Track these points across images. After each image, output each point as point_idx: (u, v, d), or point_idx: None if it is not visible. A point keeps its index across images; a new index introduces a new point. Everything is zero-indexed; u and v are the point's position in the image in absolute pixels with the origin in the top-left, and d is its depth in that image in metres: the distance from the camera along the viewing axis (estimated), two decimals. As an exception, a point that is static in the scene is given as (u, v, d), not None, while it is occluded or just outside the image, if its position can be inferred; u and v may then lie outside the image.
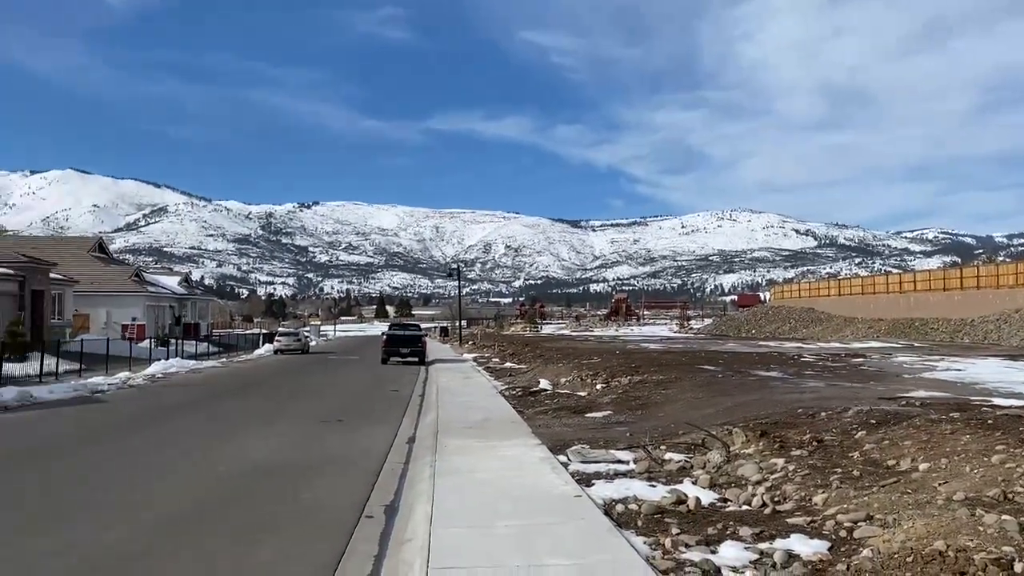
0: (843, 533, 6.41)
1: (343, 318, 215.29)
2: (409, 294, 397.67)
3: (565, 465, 9.54)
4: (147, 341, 39.49)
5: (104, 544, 6.68)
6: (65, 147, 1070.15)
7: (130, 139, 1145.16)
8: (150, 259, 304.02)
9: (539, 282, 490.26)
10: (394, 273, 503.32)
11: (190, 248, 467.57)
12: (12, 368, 24.20)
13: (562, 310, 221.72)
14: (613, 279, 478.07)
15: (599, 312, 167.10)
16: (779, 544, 6.25)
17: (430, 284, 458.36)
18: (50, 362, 26.07)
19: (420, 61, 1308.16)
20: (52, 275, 38.33)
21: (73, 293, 42.76)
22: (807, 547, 6.13)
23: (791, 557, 5.95)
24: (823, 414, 11.38)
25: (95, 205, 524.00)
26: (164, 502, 8.32)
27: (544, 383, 22.18)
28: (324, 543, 6.77)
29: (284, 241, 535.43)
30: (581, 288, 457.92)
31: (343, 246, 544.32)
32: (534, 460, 9.78)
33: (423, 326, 47.05)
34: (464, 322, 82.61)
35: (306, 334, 59.74)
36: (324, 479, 9.52)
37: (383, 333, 40.07)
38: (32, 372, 24.82)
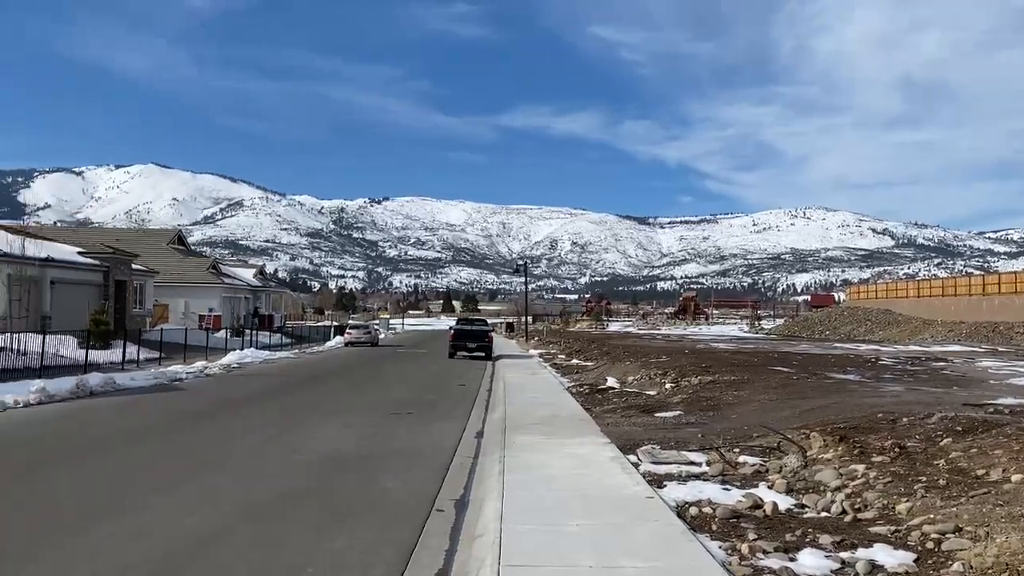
0: (930, 545, 6.14)
1: (411, 312, 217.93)
2: (475, 289, 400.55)
3: (636, 465, 9.42)
4: (223, 331, 40.63)
5: (186, 527, 6.86)
6: (147, 142, 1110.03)
7: (208, 134, 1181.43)
8: (226, 251, 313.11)
9: (605, 279, 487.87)
10: (461, 268, 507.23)
11: (264, 241, 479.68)
12: (96, 355, 25.18)
13: (628, 307, 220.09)
14: (681, 277, 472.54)
15: (666, 310, 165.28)
16: (861, 554, 6.03)
17: (496, 280, 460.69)
18: (132, 350, 27.05)
19: (490, 57, 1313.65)
20: (134, 266, 39.77)
21: (153, 284, 44.31)
22: (892, 558, 5.90)
23: (875, 568, 5.73)
24: (905, 420, 10.96)
25: (175, 198, 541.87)
26: (242, 489, 8.51)
27: (611, 381, 22.00)
28: (396, 534, 6.81)
29: (355, 236, 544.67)
30: (648, 286, 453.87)
31: (412, 241, 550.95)
32: (604, 459, 9.68)
33: (489, 321, 47.21)
34: (530, 318, 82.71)
35: (376, 327, 60.62)
36: (395, 471, 9.61)
37: (450, 328, 40.40)
38: (115, 359, 25.78)
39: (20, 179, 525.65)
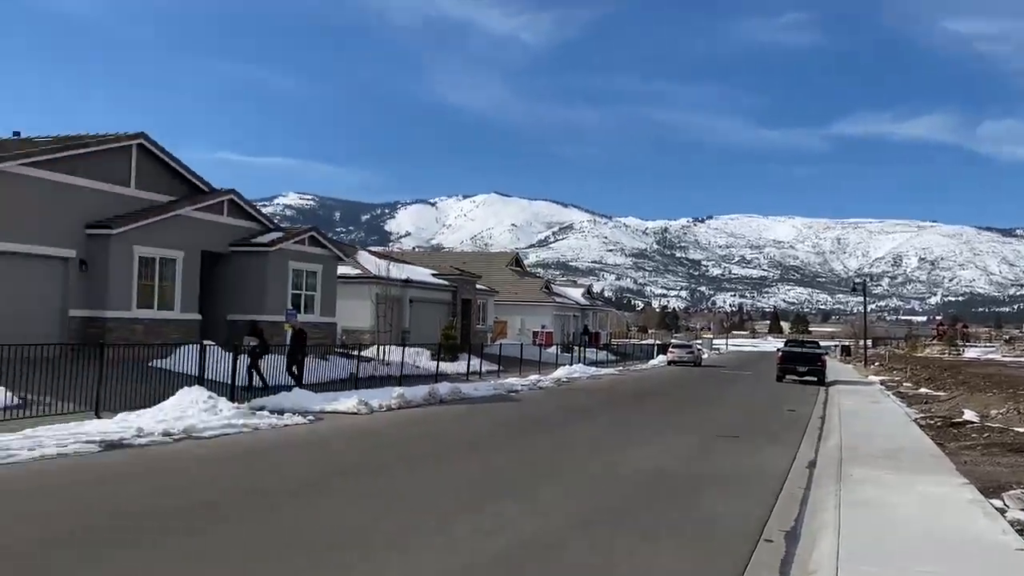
0: None
1: (734, 332, 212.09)
2: (806, 309, 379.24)
3: (1001, 511, 8.24)
4: (554, 347, 42.78)
5: (522, 531, 7.33)
6: (490, 173, 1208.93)
7: (542, 163, 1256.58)
8: (557, 272, 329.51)
9: (960, 299, 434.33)
10: (789, 287, 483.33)
11: (592, 262, 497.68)
12: (445, 366, 27.89)
13: (990, 331, 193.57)
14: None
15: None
16: None
17: (829, 299, 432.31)
18: (475, 363, 29.57)
19: (822, 65, 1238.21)
20: (478, 286, 43.48)
21: (494, 302, 48.04)
22: None
23: None
24: None
25: (512, 224, 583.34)
26: (572, 499, 8.90)
27: (969, 414, 19.46)
28: (721, 559, 6.66)
29: (678, 255, 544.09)
30: (1016, 307, 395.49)
31: (736, 260, 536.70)
32: (960, 501, 8.61)
33: (821, 344, 44.27)
34: (869, 341, 76.19)
35: (698, 347, 59.91)
36: (720, 494, 9.41)
37: (778, 350, 38.68)
38: (460, 371, 28.35)
39: (387, 211, 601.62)
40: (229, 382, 16.88)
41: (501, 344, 37.00)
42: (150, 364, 18.22)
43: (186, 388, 14.77)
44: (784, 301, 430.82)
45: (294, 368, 19.73)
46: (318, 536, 6.85)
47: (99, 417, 13.30)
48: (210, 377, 16.73)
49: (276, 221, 29.45)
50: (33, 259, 18.95)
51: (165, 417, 13.22)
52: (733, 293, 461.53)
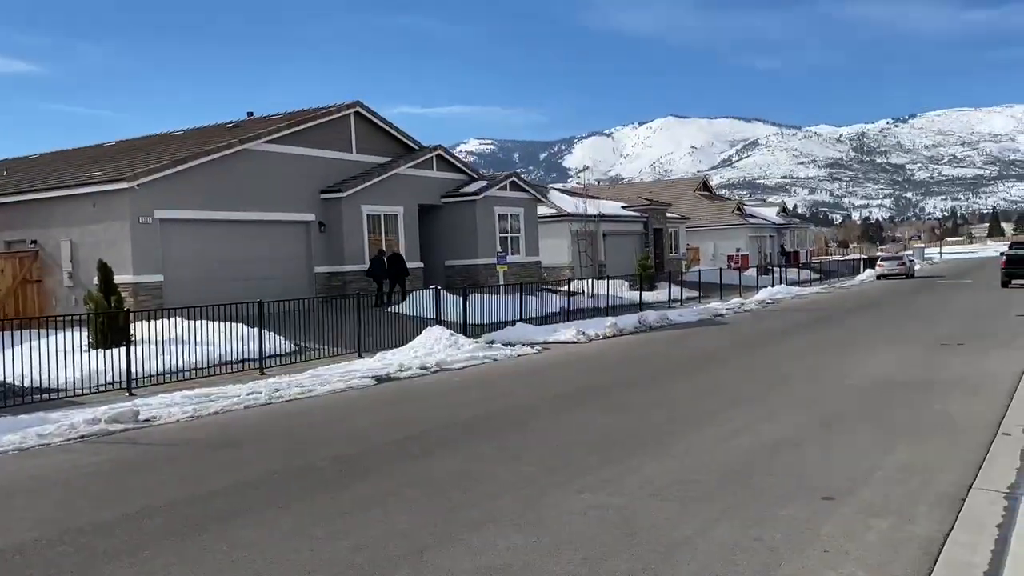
0: None
1: (948, 239, 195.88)
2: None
3: None
4: (751, 270, 42.28)
5: (764, 435, 8.17)
6: (665, 96, 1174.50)
7: (719, 78, 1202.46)
8: (744, 192, 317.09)
9: None
10: (1011, 184, 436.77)
11: (781, 178, 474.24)
12: (646, 296, 28.69)
13: None
14: None
15: None
16: None
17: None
18: (674, 290, 30.11)
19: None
20: (667, 214, 43.56)
21: (685, 229, 47.92)
22: None
23: None
24: None
25: (692, 146, 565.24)
26: (802, 407, 9.60)
27: None
28: (957, 451, 7.17)
29: (878, 161, 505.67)
30: None
31: (945, 160, 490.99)
32: None
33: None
34: (1112, 237, 68.20)
35: (910, 257, 56.65)
36: (950, 397, 9.74)
37: (1001, 254, 36.12)
38: (660, 299, 29.06)
39: (563, 147, 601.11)
40: (461, 321, 18.70)
41: (700, 270, 37.15)
42: (388, 310, 20.48)
43: (428, 328, 16.64)
44: (1005, 200, 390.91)
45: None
46: (597, 436, 8.07)
47: (361, 357, 15.41)
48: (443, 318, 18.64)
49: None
50: (285, 225, 21.68)
51: (417, 354, 15.12)
52: (944, 197, 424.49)
